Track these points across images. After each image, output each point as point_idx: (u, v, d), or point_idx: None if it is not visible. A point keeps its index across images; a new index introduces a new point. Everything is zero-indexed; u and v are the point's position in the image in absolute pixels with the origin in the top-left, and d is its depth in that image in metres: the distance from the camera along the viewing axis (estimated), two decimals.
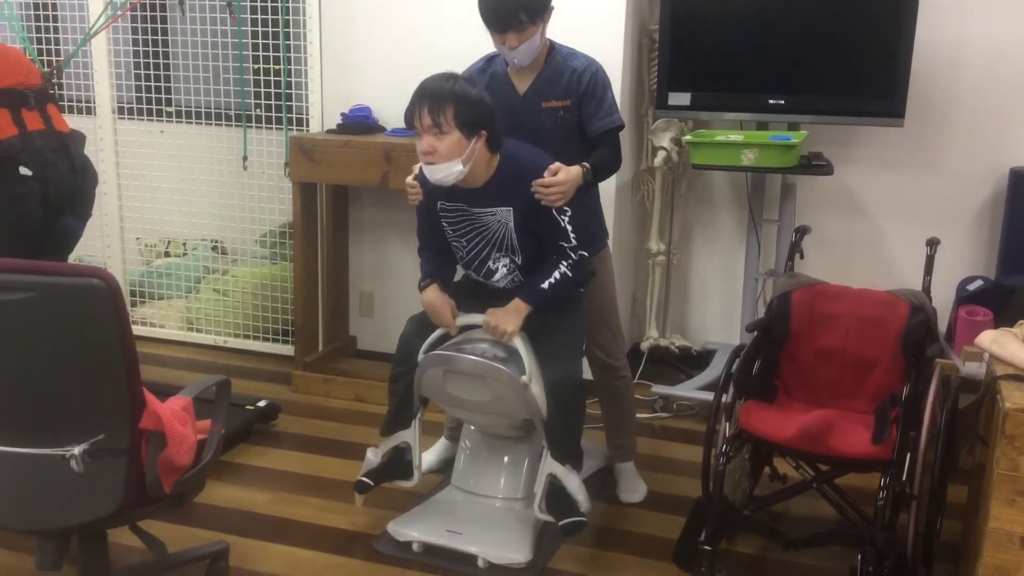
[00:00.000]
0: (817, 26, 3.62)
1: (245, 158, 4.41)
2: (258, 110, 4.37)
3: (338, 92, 4.17)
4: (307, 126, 4.24)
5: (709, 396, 3.08)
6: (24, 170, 3.06)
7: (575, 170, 2.74)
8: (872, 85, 3.56)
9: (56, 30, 4.63)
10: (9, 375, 2.13)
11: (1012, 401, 2.24)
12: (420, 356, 2.78)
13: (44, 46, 4.58)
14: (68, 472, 2.12)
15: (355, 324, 4.49)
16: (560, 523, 2.70)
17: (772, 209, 4.01)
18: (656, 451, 3.60)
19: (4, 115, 3.03)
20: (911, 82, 3.53)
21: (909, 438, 2.54)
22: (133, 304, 4.71)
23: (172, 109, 4.58)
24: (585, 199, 2.95)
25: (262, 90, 4.34)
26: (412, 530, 2.88)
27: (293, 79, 4.28)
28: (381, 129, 4.05)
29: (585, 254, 2.76)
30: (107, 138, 4.52)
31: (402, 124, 3.96)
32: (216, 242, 4.76)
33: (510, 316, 2.71)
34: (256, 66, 4.34)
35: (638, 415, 3.52)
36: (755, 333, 2.93)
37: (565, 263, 2.73)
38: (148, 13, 4.51)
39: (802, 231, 3.17)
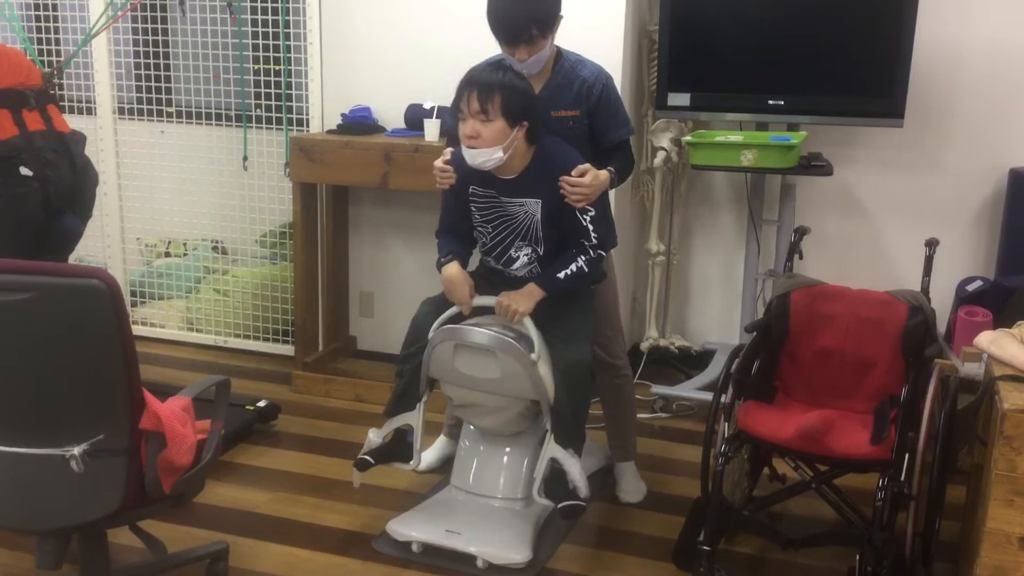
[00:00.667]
0: (817, 26, 3.62)
1: (245, 158, 4.41)
2: (258, 110, 4.38)
3: (338, 92, 4.18)
4: (307, 126, 4.25)
5: (708, 396, 3.08)
6: (25, 170, 3.06)
7: (603, 174, 2.78)
8: (872, 85, 3.56)
9: (56, 31, 4.63)
10: (9, 375, 2.13)
11: (1010, 402, 2.25)
12: (431, 334, 2.80)
13: (45, 46, 4.59)
14: (68, 472, 2.12)
15: (355, 324, 4.49)
16: (558, 505, 2.72)
17: (772, 209, 4.01)
18: (656, 451, 3.60)
19: (5, 115, 3.04)
20: (911, 82, 3.54)
21: (908, 438, 2.54)
22: (133, 304, 4.72)
23: (172, 109, 4.58)
24: (601, 197, 2.97)
25: (262, 90, 4.35)
26: (411, 530, 2.89)
27: (293, 79, 4.28)
28: (381, 129, 4.06)
29: (604, 253, 2.83)
30: (107, 138, 4.53)
31: (402, 124, 4.02)
32: (216, 242, 4.76)
33: (523, 298, 2.76)
34: (256, 66, 4.34)
35: (638, 415, 3.52)
36: (754, 333, 2.94)
37: (583, 257, 2.78)
38: (148, 14, 4.51)
39: (801, 231, 3.17)
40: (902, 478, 2.51)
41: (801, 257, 3.15)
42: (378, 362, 4.24)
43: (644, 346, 4.30)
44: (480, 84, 2.65)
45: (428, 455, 3.39)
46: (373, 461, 2.89)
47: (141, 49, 4.60)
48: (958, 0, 3.84)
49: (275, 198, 4.42)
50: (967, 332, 3.26)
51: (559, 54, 2.94)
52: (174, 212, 4.61)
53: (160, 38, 4.56)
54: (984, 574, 2.29)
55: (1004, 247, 3.85)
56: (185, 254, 4.80)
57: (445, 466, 3.28)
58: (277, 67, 4.26)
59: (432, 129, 3.77)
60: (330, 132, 4.08)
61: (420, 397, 2.90)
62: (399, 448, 2.93)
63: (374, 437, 2.93)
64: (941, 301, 3.40)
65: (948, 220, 4.01)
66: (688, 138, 3.68)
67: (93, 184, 3.36)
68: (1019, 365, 2.42)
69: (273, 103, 4.32)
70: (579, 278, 2.78)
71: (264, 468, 3.42)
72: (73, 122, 3.35)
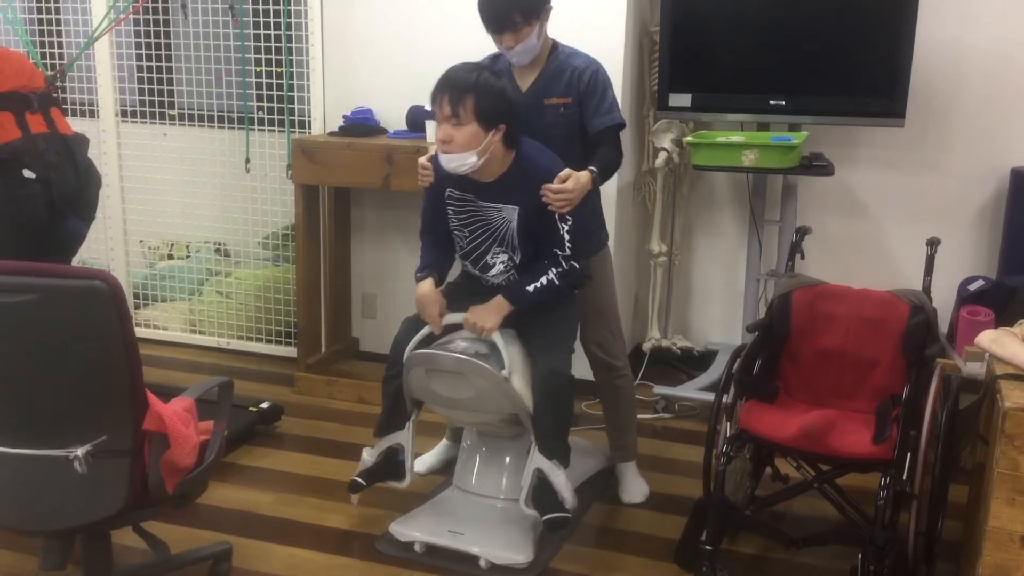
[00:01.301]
0: (817, 27, 3.62)
1: (248, 160, 4.42)
2: (260, 113, 4.39)
3: (340, 94, 4.18)
4: (309, 128, 4.25)
5: (711, 397, 3.08)
6: (28, 173, 3.07)
7: (584, 177, 2.76)
8: (873, 85, 3.56)
9: (59, 34, 4.64)
10: (12, 376, 2.14)
11: (1012, 400, 2.24)
12: (405, 356, 2.80)
13: (47, 50, 4.60)
14: (71, 473, 2.13)
15: (357, 326, 4.50)
16: (544, 518, 2.71)
17: (773, 210, 4.01)
18: (658, 452, 3.60)
19: (8, 118, 3.05)
20: (912, 82, 3.54)
21: (910, 438, 2.54)
22: (136, 306, 4.72)
23: (175, 112, 4.59)
24: (589, 194, 2.98)
25: (264, 93, 4.36)
26: (414, 530, 2.89)
27: (295, 81, 4.29)
28: (383, 131, 4.06)
29: (576, 265, 2.78)
30: (110, 141, 4.53)
31: (404, 126, 4.02)
32: (219, 244, 4.77)
33: (489, 313, 2.73)
34: (258, 69, 4.35)
35: (640, 416, 3.53)
36: (756, 333, 2.94)
37: (555, 270, 2.75)
38: (151, 17, 4.52)
39: (803, 232, 3.17)
40: (904, 477, 2.52)
41: (803, 257, 3.15)
42: (380, 363, 4.17)
43: (646, 347, 4.30)
44: (452, 86, 2.61)
45: (430, 457, 3.40)
46: (365, 483, 2.91)
47: (143, 52, 4.62)
48: (959, 0, 3.84)
49: (277, 200, 4.43)
50: (969, 332, 3.25)
51: (555, 46, 2.96)
52: (177, 214, 4.61)
53: (162, 41, 4.57)
54: (986, 573, 2.29)
55: (1006, 246, 3.85)
56: (188, 256, 4.80)
57: (447, 468, 3.29)
58: (279, 69, 4.27)
59: (434, 131, 3.76)
60: (332, 134, 4.08)
61: (408, 416, 2.90)
62: (391, 467, 2.94)
63: (368, 457, 2.95)
64: (943, 301, 3.40)
65: (950, 220, 4.01)
66: (689, 139, 3.68)
67: (96, 186, 3.37)
68: (1020, 364, 2.41)
69: (275, 105, 4.33)
70: (548, 291, 2.74)
71: (267, 469, 3.43)
72: (76, 125, 3.36)
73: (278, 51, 4.25)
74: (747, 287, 3.96)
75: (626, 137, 3.18)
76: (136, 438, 2.18)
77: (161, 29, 4.53)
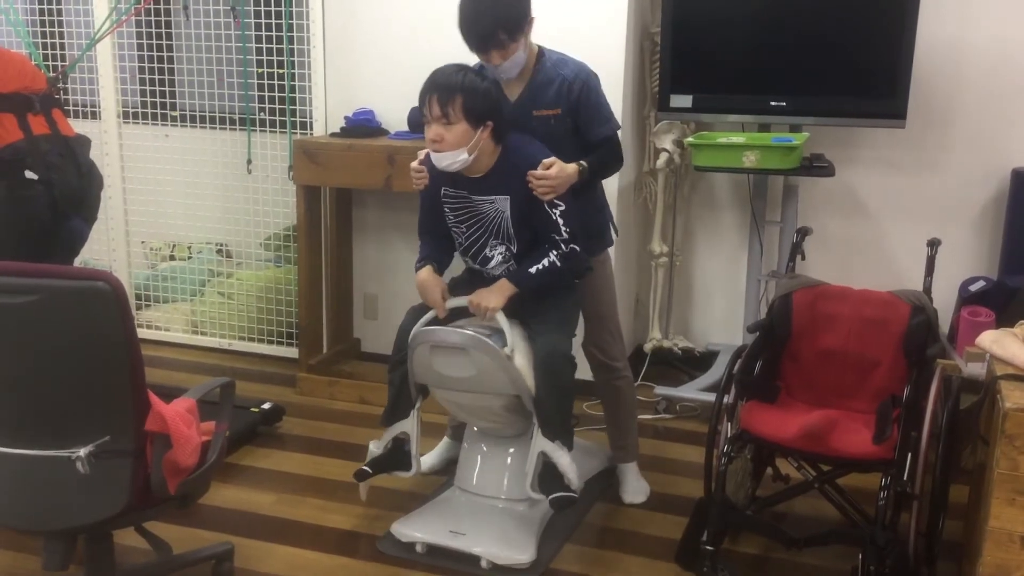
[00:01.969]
0: (818, 27, 3.63)
1: (249, 161, 4.43)
2: (262, 114, 4.40)
3: (341, 95, 4.19)
4: (311, 129, 4.26)
5: (712, 397, 3.08)
6: (30, 174, 3.08)
7: (570, 167, 2.78)
8: (873, 86, 3.57)
9: (61, 35, 4.65)
10: (15, 377, 2.15)
11: (1012, 400, 2.25)
12: (410, 337, 2.83)
13: (49, 51, 4.61)
14: (74, 474, 2.13)
15: (359, 326, 4.50)
16: (549, 497, 2.73)
17: (774, 210, 4.01)
18: (659, 452, 3.61)
19: (10, 120, 3.05)
20: (912, 83, 3.54)
21: (910, 438, 2.55)
22: (138, 307, 4.73)
23: (177, 113, 4.60)
24: (590, 196, 3.00)
25: (266, 94, 4.36)
26: (415, 531, 2.90)
27: (297, 83, 4.30)
28: (384, 132, 4.07)
29: (577, 248, 2.81)
30: (112, 142, 4.55)
31: (405, 127, 4.03)
32: (221, 245, 4.78)
33: (493, 294, 2.77)
34: (260, 70, 4.35)
35: (641, 416, 3.53)
36: (757, 334, 2.94)
37: (555, 252, 2.78)
38: (153, 18, 4.53)
39: (804, 232, 3.17)
40: (905, 478, 2.52)
41: (803, 258, 3.16)
42: (382, 364, 4.18)
43: (647, 347, 4.31)
44: (440, 88, 2.67)
45: (431, 458, 3.40)
46: (371, 471, 2.92)
47: (145, 53, 4.63)
48: (959, 0, 3.84)
49: (279, 201, 4.44)
50: (970, 332, 3.25)
51: (541, 53, 2.93)
52: (178, 215, 4.62)
53: (164, 42, 4.57)
54: (986, 573, 2.30)
55: (1007, 247, 3.85)
56: (189, 257, 4.81)
57: (449, 468, 3.29)
58: (281, 70, 4.28)
59: None
60: (333, 135, 4.09)
61: (413, 404, 2.92)
62: (398, 457, 2.95)
63: (375, 448, 2.97)
64: (944, 301, 3.40)
65: (951, 220, 4.01)
66: (690, 140, 3.69)
67: (98, 187, 3.37)
68: (1021, 364, 2.42)
69: (277, 106, 4.34)
70: (551, 273, 2.79)
71: (269, 470, 3.43)
72: (78, 126, 3.37)
73: (280, 52, 4.26)
74: (748, 288, 3.96)
75: (627, 138, 3.19)
76: (138, 439, 2.18)
77: (163, 30, 4.54)
